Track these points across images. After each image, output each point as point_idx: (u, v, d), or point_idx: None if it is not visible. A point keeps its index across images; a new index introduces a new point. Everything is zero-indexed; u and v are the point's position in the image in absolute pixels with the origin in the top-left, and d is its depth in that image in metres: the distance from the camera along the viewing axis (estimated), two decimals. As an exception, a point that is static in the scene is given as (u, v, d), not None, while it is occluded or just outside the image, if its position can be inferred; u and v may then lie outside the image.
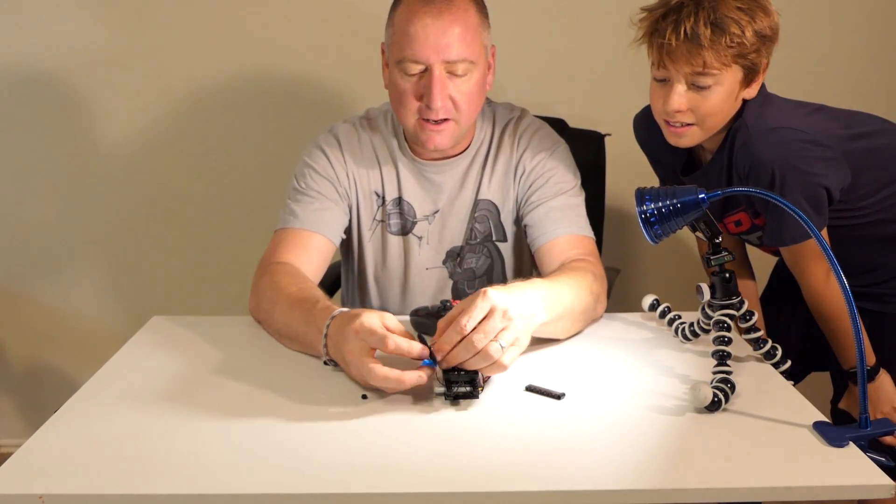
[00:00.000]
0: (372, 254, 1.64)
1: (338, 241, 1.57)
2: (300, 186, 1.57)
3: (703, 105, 1.46)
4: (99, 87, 2.28)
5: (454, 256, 1.64)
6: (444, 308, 1.37)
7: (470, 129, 1.57)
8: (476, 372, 1.15)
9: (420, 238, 1.62)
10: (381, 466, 1.00)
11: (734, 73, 1.45)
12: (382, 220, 1.62)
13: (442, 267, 1.64)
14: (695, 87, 1.45)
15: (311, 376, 1.26)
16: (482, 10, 1.50)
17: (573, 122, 1.97)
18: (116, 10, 2.24)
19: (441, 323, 1.16)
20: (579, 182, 1.61)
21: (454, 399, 1.15)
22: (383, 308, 1.67)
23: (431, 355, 1.15)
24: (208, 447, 1.05)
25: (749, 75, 1.47)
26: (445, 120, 1.48)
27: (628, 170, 1.95)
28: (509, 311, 1.14)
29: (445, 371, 1.15)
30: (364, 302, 1.68)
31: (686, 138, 1.52)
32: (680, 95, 1.46)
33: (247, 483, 0.96)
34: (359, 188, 1.60)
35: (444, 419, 1.12)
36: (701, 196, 1.19)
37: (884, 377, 1.56)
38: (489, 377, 1.21)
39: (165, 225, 2.38)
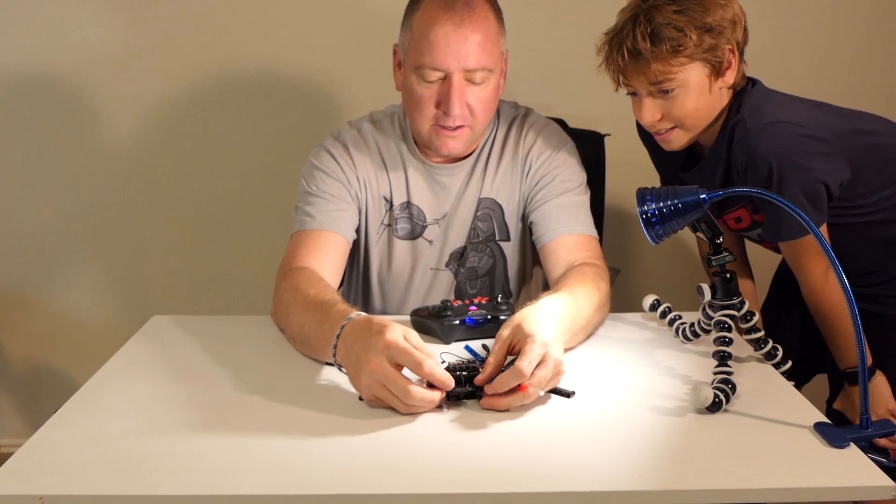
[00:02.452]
0: (377, 257, 1.63)
1: (352, 242, 1.56)
2: (312, 189, 1.55)
3: (675, 109, 1.48)
4: (99, 87, 2.28)
5: (458, 257, 1.63)
6: (444, 308, 1.37)
7: (481, 133, 1.57)
8: (477, 371, 1.16)
9: (430, 242, 1.61)
10: (382, 467, 1.00)
11: (696, 71, 1.45)
12: (389, 225, 1.61)
13: (446, 268, 1.64)
14: (661, 94, 1.46)
15: (312, 376, 1.26)
16: (500, 16, 1.50)
17: (573, 122, 1.96)
18: (118, 8, 2.23)
19: (497, 354, 1.15)
20: (585, 180, 1.61)
21: (457, 399, 1.15)
22: (384, 308, 1.67)
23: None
24: (208, 447, 1.04)
25: (716, 67, 1.46)
26: (460, 126, 1.48)
27: (628, 170, 1.95)
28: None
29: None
30: (366, 302, 1.67)
31: (675, 142, 1.53)
32: (649, 108, 1.48)
33: (247, 483, 0.96)
34: (368, 192, 1.59)
35: (444, 420, 1.12)
36: (702, 196, 1.18)
37: (879, 379, 1.55)
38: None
39: (165, 225, 2.38)
